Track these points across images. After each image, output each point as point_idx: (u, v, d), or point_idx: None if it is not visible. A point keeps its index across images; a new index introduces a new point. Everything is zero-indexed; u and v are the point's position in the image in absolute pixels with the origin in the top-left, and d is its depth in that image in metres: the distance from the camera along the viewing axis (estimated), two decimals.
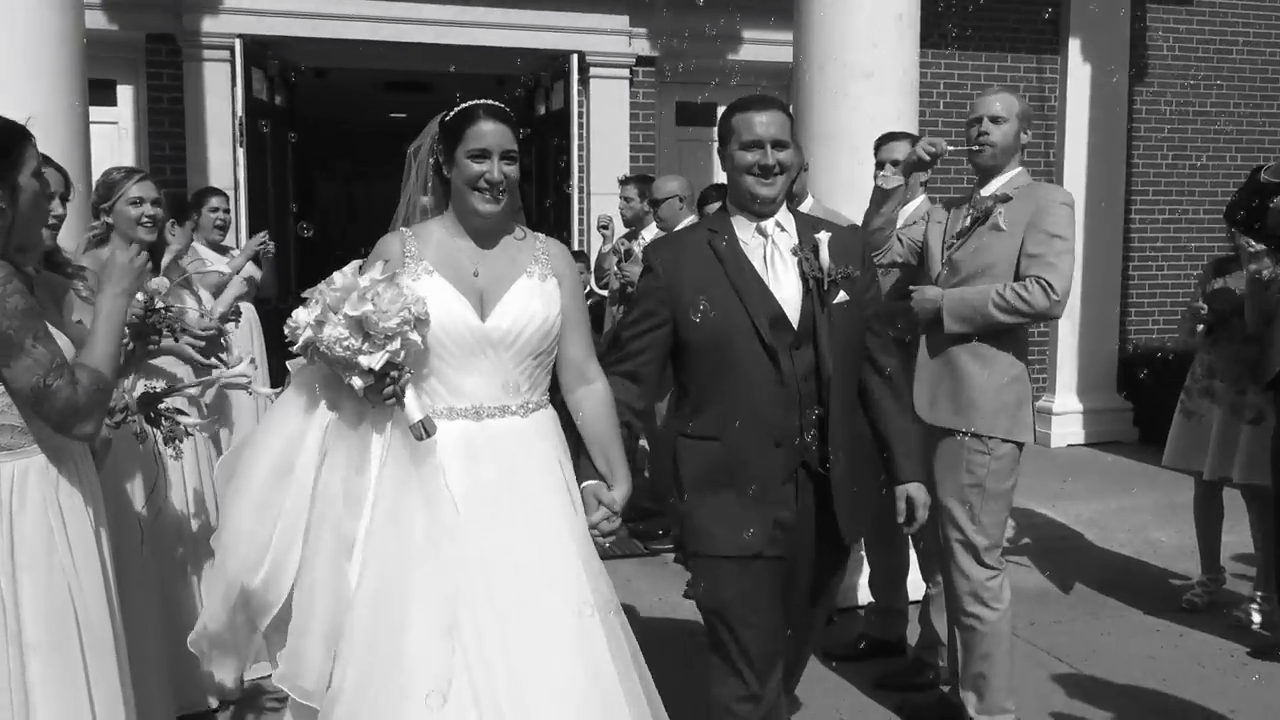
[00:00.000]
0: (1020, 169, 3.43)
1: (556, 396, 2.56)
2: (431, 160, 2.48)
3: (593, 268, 6.69)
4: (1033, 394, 3.49)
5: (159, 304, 2.73)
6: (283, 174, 7.22)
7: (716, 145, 2.82)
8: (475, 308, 2.38)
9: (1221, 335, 4.76)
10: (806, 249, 2.65)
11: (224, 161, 6.69)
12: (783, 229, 2.70)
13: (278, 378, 4.78)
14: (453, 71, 6.49)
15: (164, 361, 3.34)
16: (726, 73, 7.18)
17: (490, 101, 2.45)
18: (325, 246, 10.76)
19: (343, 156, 13.54)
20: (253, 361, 2.76)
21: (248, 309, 5.33)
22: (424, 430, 2.24)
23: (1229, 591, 4.94)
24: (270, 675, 2.49)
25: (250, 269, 5.59)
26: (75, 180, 3.47)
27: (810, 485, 2.66)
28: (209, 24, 6.66)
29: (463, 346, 2.36)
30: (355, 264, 2.32)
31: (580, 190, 7.52)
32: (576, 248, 7.26)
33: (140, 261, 2.36)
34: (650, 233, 5.92)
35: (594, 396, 2.55)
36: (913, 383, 3.37)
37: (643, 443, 5.14)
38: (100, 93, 6.17)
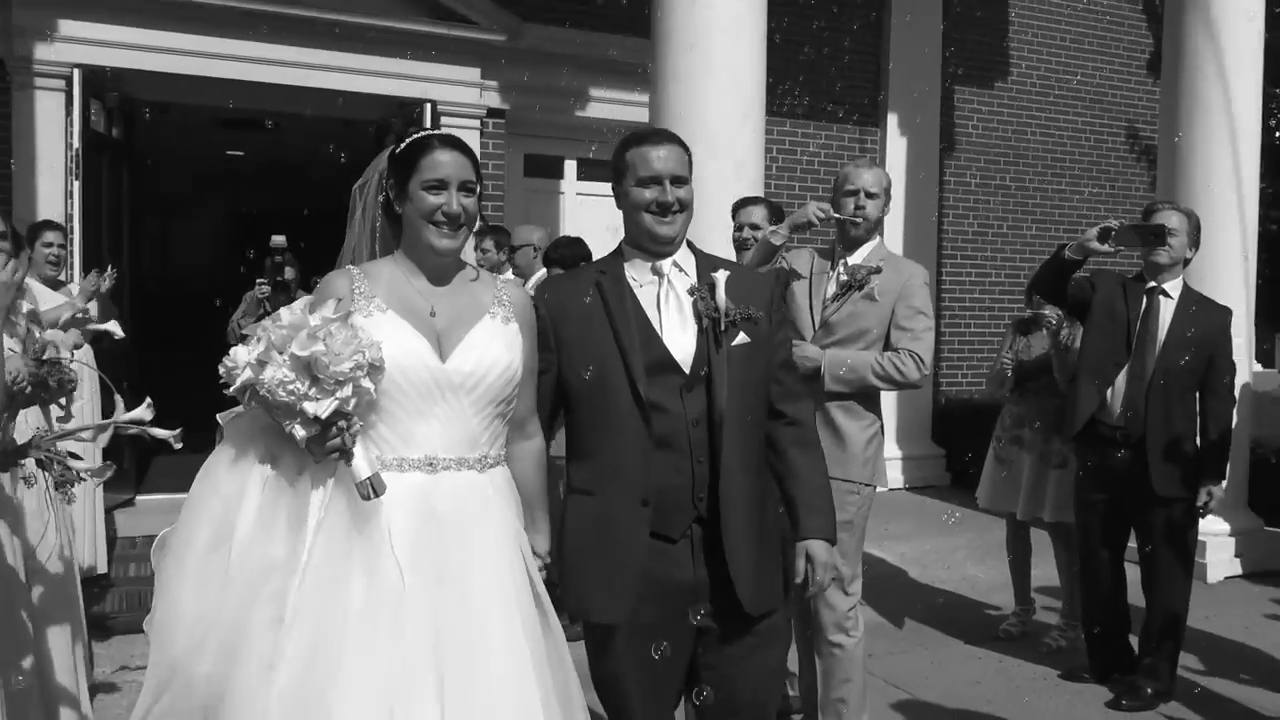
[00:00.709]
0: (879, 239, 3.76)
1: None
2: (381, 197, 2.34)
3: None
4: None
5: (50, 354, 2.65)
6: (118, 208, 6.93)
7: (611, 183, 2.62)
8: (434, 348, 2.21)
9: (1029, 389, 5.30)
10: (704, 288, 2.51)
11: (54, 193, 6.38)
12: (681, 269, 2.55)
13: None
14: (307, 114, 6.42)
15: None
16: (575, 128, 7.40)
17: (445, 132, 2.35)
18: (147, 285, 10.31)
19: (179, 191, 12.98)
20: (149, 405, 2.67)
21: (84, 350, 5.12)
22: (371, 490, 2.04)
23: (1039, 621, 5.44)
24: None
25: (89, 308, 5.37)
26: None
27: (703, 544, 2.46)
28: (42, 51, 6.37)
29: (420, 389, 2.17)
30: (304, 300, 2.17)
31: None
32: None
33: (13, 277, 2.24)
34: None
35: (528, 454, 2.46)
36: None
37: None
38: None
